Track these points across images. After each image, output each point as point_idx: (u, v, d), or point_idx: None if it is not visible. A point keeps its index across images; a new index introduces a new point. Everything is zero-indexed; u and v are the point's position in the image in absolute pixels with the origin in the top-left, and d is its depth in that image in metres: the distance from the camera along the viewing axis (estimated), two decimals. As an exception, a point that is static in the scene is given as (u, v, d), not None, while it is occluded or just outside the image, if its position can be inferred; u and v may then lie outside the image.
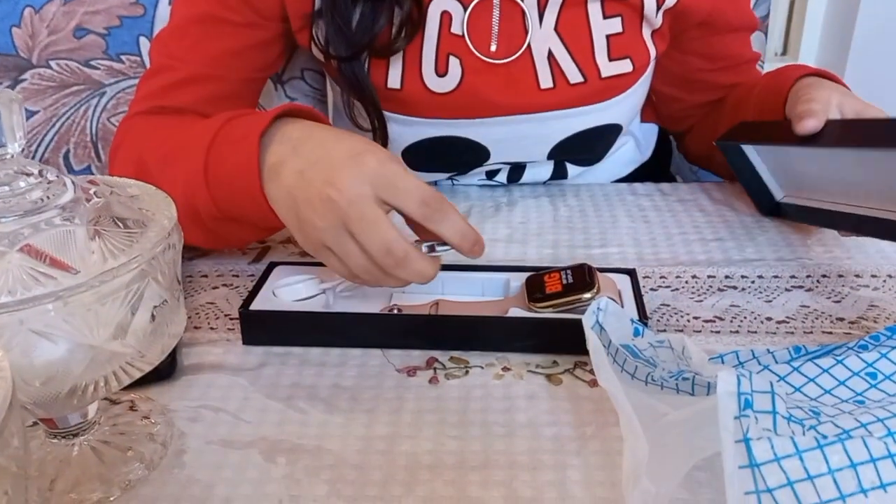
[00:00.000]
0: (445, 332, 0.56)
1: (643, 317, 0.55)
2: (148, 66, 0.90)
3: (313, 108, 0.60)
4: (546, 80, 0.72)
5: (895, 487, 0.33)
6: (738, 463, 0.35)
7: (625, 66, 0.73)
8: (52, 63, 0.91)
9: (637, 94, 0.78)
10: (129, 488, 0.44)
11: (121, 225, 0.40)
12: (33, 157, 0.94)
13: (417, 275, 0.52)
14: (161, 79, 0.73)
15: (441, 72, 0.72)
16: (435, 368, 0.54)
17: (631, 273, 0.60)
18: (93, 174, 0.96)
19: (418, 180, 0.51)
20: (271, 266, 0.63)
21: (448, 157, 0.80)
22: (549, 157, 0.79)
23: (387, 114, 0.75)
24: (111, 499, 0.44)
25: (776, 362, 0.47)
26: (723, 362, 0.50)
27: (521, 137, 0.76)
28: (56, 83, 0.92)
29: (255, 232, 0.63)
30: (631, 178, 0.92)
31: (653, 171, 0.94)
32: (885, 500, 0.33)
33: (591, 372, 0.53)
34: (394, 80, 0.72)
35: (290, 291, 0.59)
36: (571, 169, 0.83)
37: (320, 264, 0.58)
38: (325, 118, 0.60)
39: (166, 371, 0.53)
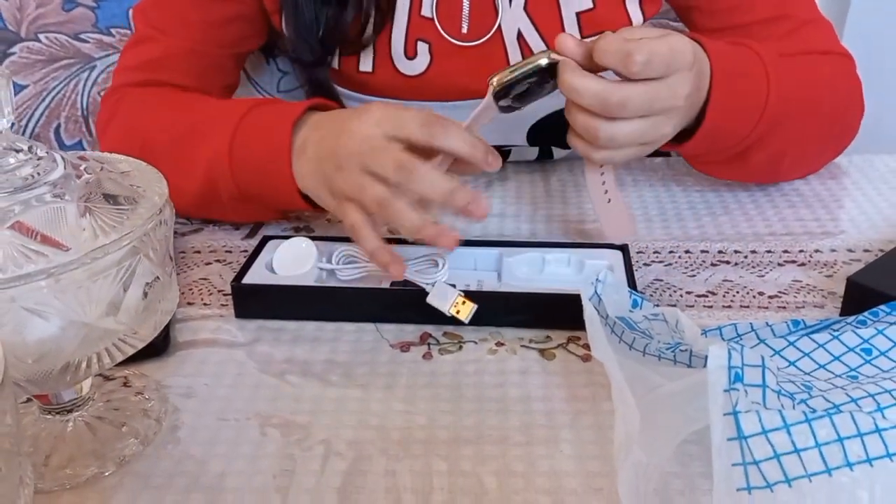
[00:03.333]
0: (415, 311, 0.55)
1: (632, 285, 0.55)
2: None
3: (339, 104, 0.65)
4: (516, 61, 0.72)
5: (881, 462, 0.33)
6: (727, 435, 0.36)
7: None
8: (42, 36, 0.90)
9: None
10: (124, 464, 0.45)
11: (111, 201, 0.40)
12: (24, 132, 0.93)
13: (432, 185, 0.53)
14: (145, 50, 0.73)
15: (410, 54, 0.71)
16: (429, 344, 0.54)
17: (623, 248, 0.60)
18: (84, 148, 0.96)
19: (417, 109, 0.53)
20: (265, 240, 0.62)
21: None
22: (530, 139, 0.79)
23: (361, 96, 0.75)
24: (106, 474, 0.44)
25: (774, 336, 0.48)
26: (721, 334, 0.50)
27: (497, 119, 0.75)
28: (45, 57, 0.91)
29: (272, 212, 0.68)
30: None
31: None
32: (870, 473, 0.33)
33: (585, 347, 0.53)
34: (365, 65, 0.72)
35: (287, 257, 0.59)
36: (557, 153, 0.83)
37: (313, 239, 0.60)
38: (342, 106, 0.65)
39: (160, 347, 0.53)
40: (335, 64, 0.73)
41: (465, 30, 0.71)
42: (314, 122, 0.61)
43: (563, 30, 0.71)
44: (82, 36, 0.90)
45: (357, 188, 0.54)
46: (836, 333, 0.45)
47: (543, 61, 0.54)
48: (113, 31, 0.90)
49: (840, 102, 0.70)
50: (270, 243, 0.62)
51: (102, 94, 0.92)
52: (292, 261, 0.59)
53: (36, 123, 0.94)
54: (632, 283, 0.56)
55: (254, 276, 0.58)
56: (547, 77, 0.54)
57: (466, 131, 0.54)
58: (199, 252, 0.67)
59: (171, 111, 0.69)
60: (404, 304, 0.56)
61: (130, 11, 0.89)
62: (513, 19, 0.71)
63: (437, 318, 0.55)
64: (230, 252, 0.67)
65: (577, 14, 0.71)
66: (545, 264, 0.60)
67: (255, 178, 0.61)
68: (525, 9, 0.70)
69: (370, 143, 0.53)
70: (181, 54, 0.72)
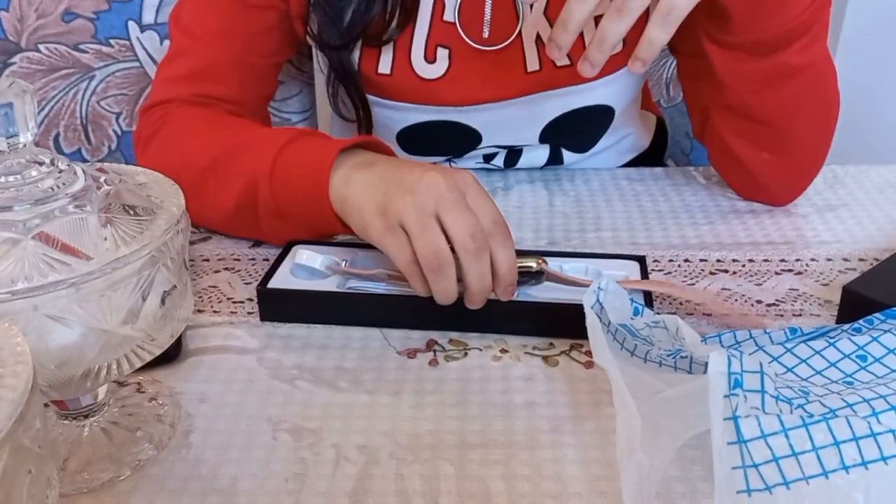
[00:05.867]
0: (445, 313, 0.56)
1: (649, 303, 0.56)
2: (138, 50, 0.90)
3: (384, 143, 0.63)
4: (533, 63, 0.74)
5: (876, 465, 0.34)
6: (727, 439, 0.37)
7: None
8: (41, 47, 0.91)
9: (629, 75, 0.79)
10: (139, 468, 0.46)
11: (131, 212, 0.41)
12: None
13: (508, 265, 0.53)
14: (186, 62, 0.73)
15: (430, 58, 0.73)
16: (434, 351, 0.55)
17: (640, 260, 0.61)
18: (83, 157, 0.97)
19: (493, 202, 0.54)
20: (290, 244, 0.64)
21: (441, 141, 0.81)
22: (542, 140, 0.80)
23: (378, 99, 0.76)
24: (122, 478, 0.45)
25: (772, 343, 0.49)
26: (720, 341, 0.51)
27: (511, 119, 0.77)
28: (45, 67, 0.92)
29: (305, 231, 0.64)
30: (627, 166, 0.93)
31: (648, 160, 0.94)
32: (866, 476, 0.34)
33: (587, 354, 0.55)
34: (384, 66, 0.73)
35: (310, 260, 0.61)
36: (568, 156, 0.84)
37: (334, 245, 0.63)
38: (393, 153, 0.64)
39: (172, 353, 0.54)
40: (355, 65, 0.74)
41: (486, 34, 0.72)
42: (379, 157, 0.60)
43: (581, 33, 0.71)
44: (82, 46, 0.91)
45: (422, 227, 0.52)
46: (832, 340, 0.46)
47: (534, 265, 0.57)
48: (112, 41, 0.91)
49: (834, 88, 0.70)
50: (294, 248, 0.63)
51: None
52: (318, 266, 0.61)
53: (35, 132, 0.94)
54: (647, 294, 0.57)
55: (277, 282, 0.60)
56: (532, 277, 0.57)
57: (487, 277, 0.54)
58: (207, 260, 0.68)
59: (216, 131, 0.68)
60: (411, 310, 0.57)
61: (130, 24, 0.90)
62: (532, 24, 0.72)
63: (443, 324, 0.56)
64: (238, 260, 0.68)
65: (595, 18, 0.72)
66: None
67: (291, 191, 0.61)
68: (545, 13, 0.72)
69: (453, 195, 0.52)
70: (223, 65, 0.72)
